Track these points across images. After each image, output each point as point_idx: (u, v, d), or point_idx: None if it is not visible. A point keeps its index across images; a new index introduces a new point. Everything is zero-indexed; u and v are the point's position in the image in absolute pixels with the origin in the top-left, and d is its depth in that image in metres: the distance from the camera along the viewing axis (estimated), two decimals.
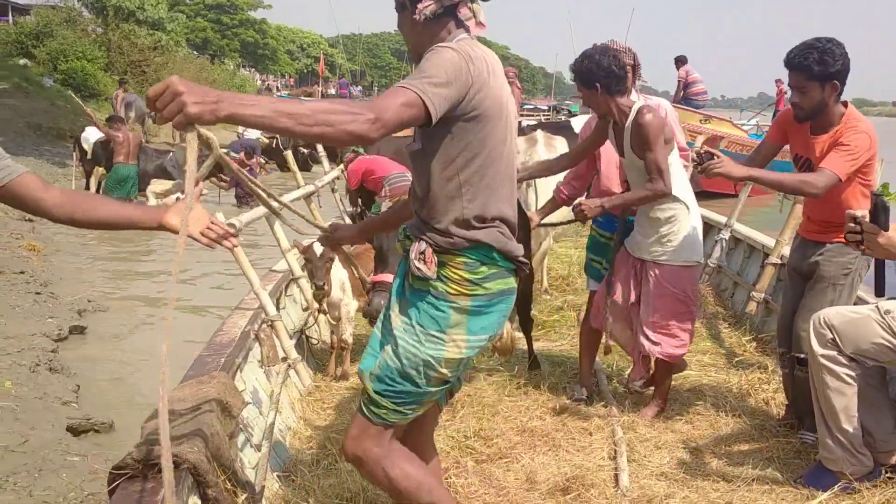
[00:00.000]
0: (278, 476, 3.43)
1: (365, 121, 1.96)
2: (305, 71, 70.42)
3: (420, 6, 2.30)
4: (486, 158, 2.30)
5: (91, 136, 13.31)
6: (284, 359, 4.58)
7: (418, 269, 2.33)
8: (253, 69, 56.60)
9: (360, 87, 52.49)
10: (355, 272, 4.68)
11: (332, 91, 45.16)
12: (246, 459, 3.18)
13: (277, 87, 47.25)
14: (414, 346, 2.36)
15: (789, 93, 3.67)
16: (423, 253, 2.34)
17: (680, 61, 15.83)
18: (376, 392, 2.41)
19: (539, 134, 6.63)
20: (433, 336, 2.36)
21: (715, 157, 3.44)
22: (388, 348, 2.42)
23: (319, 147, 10.43)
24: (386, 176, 7.41)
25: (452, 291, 2.34)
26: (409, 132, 2.39)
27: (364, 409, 2.45)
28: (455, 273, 2.35)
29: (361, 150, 8.69)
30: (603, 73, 3.77)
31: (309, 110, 1.90)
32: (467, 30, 2.35)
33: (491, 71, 2.28)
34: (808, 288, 3.78)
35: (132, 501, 2.12)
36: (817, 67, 3.46)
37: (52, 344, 5.81)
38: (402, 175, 7.37)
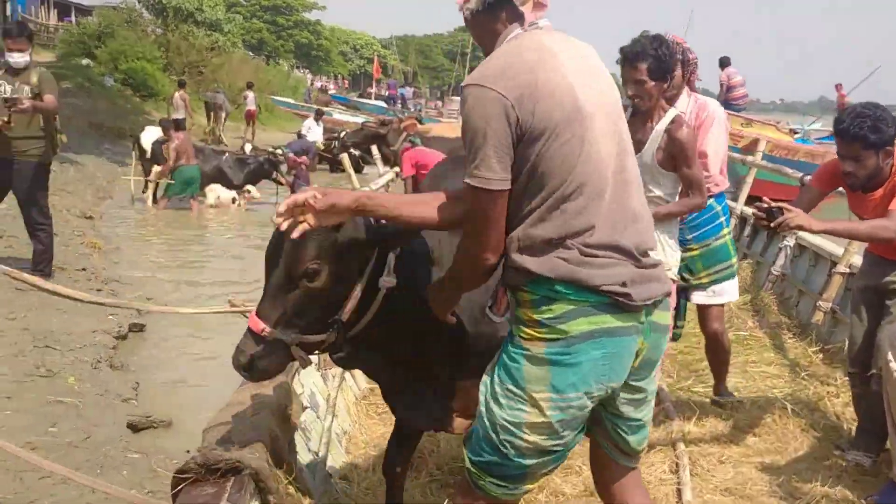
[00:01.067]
0: (335, 481, 3.43)
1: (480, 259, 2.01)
2: (358, 72, 70.98)
3: (461, 1, 2.12)
4: (548, 175, 1.95)
5: (150, 135, 13.57)
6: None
7: (488, 309, 2.14)
8: (307, 70, 57.23)
9: (412, 89, 52.61)
10: None
11: (384, 92, 45.44)
12: (304, 464, 3.17)
13: (329, 89, 47.73)
14: (493, 405, 2.03)
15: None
16: (495, 292, 2.14)
17: (724, 63, 15.45)
18: (470, 461, 2.10)
19: None
20: (510, 393, 1.99)
21: (785, 211, 3.16)
22: (482, 408, 2.08)
23: (373, 149, 10.52)
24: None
25: (524, 336, 1.99)
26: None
27: (467, 472, 2.13)
28: (524, 313, 2.00)
29: (418, 140, 8.81)
30: (652, 55, 3.63)
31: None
32: (522, 20, 2.08)
33: (543, 69, 1.96)
34: (893, 305, 3.61)
35: None
36: (873, 136, 3.30)
37: (112, 341, 5.91)
38: None
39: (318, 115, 20.80)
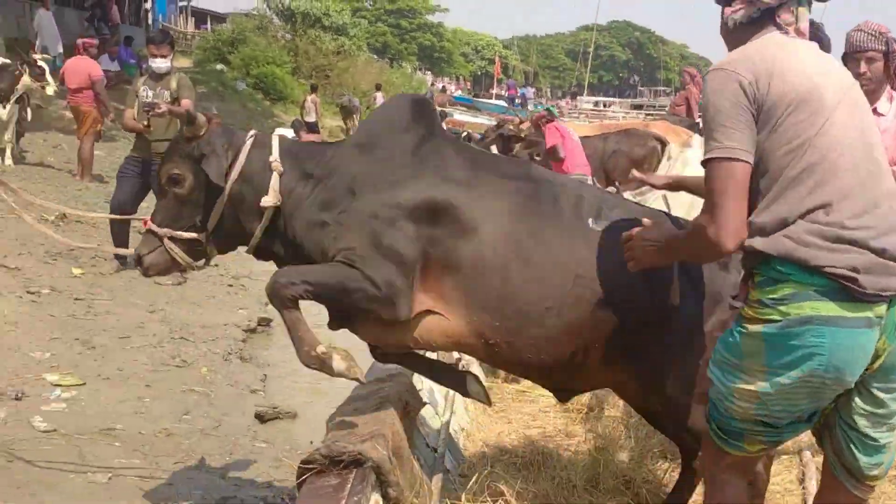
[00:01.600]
0: (453, 477, 3.45)
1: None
2: (479, 73, 71.26)
3: (728, 10, 2.12)
4: (784, 152, 1.96)
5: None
6: (459, 359, 4.62)
7: (731, 298, 2.22)
8: (429, 72, 57.94)
9: (533, 89, 52.43)
10: None
11: (504, 92, 45.44)
12: (423, 459, 3.21)
13: (449, 90, 48.18)
14: (715, 369, 2.12)
15: None
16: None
17: None
18: (708, 414, 2.21)
19: (697, 139, 6.26)
20: (728, 362, 2.07)
21: None
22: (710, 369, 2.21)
23: (517, 147, 10.51)
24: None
25: (746, 316, 2.03)
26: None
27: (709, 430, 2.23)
28: (752, 294, 2.03)
29: (555, 110, 8.76)
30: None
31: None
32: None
33: (782, 57, 2.02)
34: None
35: (320, 496, 2.18)
36: None
37: (242, 334, 6.17)
38: (581, 178, 7.36)
39: (442, 118, 20.98)
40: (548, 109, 8.46)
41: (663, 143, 9.40)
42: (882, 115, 3.48)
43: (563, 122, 8.20)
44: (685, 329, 2.56)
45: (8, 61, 11.06)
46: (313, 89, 22.70)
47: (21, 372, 4.57)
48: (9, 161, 10.84)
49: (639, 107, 42.85)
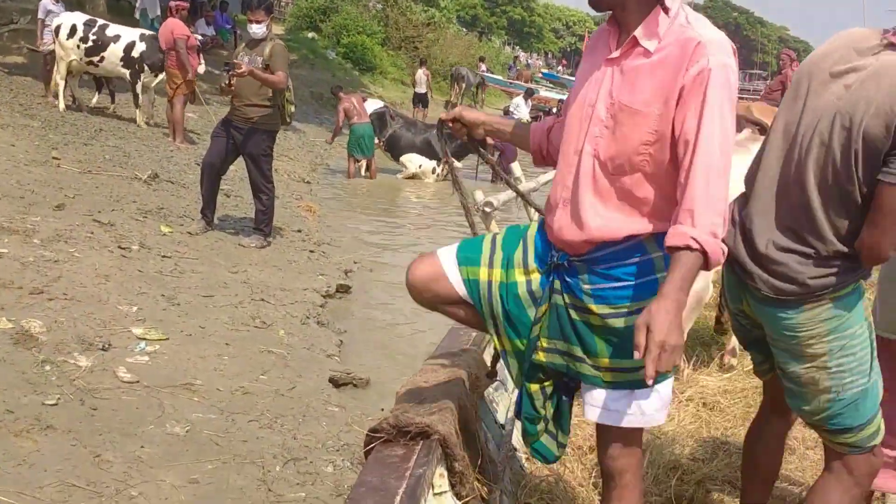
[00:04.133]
0: (520, 454, 3.44)
1: None
2: (569, 49, 70.27)
3: None
4: None
5: (370, 107, 14.17)
6: None
7: None
8: (517, 46, 57.39)
9: None
10: None
11: None
12: (490, 435, 3.21)
13: (538, 66, 47.52)
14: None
15: None
16: None
17: None
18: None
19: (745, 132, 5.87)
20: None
21: None
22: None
23: None
24: None
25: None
26: None
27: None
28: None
29: None
30: None
31: None
32: None
33: None
34: None
35: (385, 465, 2.20)
36: None
37: (321, 299, 6.28)
38: None
39: (528, 94, 20.85)
40: None
41: (762, 128, 9.04)
42: None
43: None
44: None
45: (146, 32, 11.61)
46: (422, 62, 23.62)
47: (109, 323, 4.75)
48: (142, 123, 11.38)
49: None
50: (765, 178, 2.28)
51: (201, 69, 11.34)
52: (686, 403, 4.13)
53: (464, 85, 26.82)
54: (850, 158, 2.08)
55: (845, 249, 2.14)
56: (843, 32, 2.27)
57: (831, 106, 2.13)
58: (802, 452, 3.61)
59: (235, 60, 6.89)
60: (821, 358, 2.20)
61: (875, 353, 2.27)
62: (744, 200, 2.34)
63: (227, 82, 6.90)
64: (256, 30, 6.99)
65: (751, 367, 2.82)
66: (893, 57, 2.10)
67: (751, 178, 2.34)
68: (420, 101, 22.59)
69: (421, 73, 22.61)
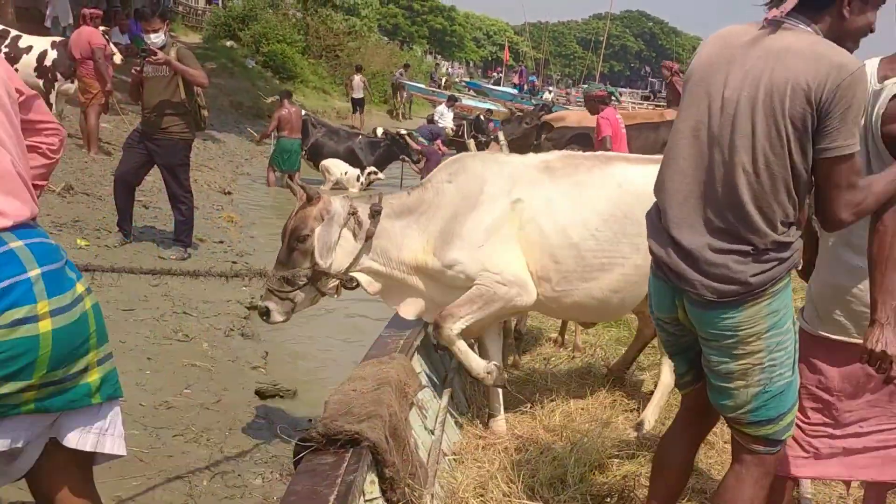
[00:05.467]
0: (449, 459, 3.48)
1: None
2: (490, 59, 71.06)
3: None
4: None
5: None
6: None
7: None
8: (439, 55, 57.77)
9: (538, 77, 51.97)
10: None
11: (514, 79, 45.26)
12: (420, 441, 3.24)
13: (458, 75, 48.02)
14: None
15: None
16: None
17: None
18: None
19: None
20: None
21: None
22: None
23: (500, 135, 10.48)
24: None
25: None
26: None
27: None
28: None
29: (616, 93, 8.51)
30: None
31: None
32: None
33: None
34: None
35: (315, 473, 2.21)
36: None
37: (244, 311, 6.20)
38: None
39: (451, 102, 21.01)
40: (610, 92, 8.23)
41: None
42: None
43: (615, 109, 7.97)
44: None
45: (57, 39, 11.22)
46: (358, 69, 24.31)
47: None
48: None
49: (646, 98, 42.65)
50: (682, 184, 2.29)
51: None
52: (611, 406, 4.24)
53: (405, 93, 28.39)
54: (782, 143, 2.12)
55: (780, 238, 2.19)
56: (720, 33, 2.33)
57: (745, 99, 2.16)
58: (721, 447, 3.75)
59: (149, 48, 6.70)
60: (757, 354, 2.25)
61: (797, 346, 2.35)
62: (660, 210, 2.36)
63: (137, 69, 6.73)
64: (155, 39, 6.78)
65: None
66: (787, 36, 2.16)
67: (661, 187, 2.37)
68: (357, 105, 23.66)
69: (358, 80, 23.50)
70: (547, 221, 3.66)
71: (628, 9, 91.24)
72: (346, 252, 3.67)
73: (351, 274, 3.71)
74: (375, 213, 3.69)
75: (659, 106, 27.68)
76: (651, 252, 2.29)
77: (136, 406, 4.16)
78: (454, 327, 3.57)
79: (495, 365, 3.68)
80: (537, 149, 8.23)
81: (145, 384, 4.45)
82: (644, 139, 8.51)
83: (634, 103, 37.77)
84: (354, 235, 3.67)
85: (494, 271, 3.58)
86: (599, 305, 3.80)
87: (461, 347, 3.62)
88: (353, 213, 3.66)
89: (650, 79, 58.51)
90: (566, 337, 5.38)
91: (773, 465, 2.39)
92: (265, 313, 3.69)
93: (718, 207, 2.23)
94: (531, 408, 4.17)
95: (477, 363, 3.66)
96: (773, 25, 2.18)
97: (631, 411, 4.22)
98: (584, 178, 3.79)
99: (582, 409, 4.18)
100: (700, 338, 2.36)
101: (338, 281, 3.70)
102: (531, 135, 8.33)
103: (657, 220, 2.37)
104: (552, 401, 4.24)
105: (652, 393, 4.23)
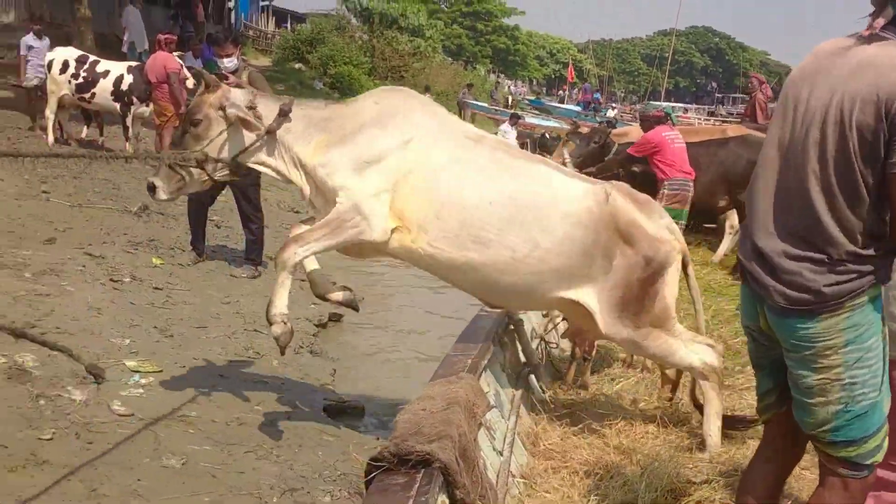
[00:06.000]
0: (517, 481, 3.45)
1: None
2: (553, 76, 70.90)
3: None
4: None
5: None
6: (525, 363, 4.62)
7: None
8: (502, 74, 57.90)
9: (601, 94, 51.54)
10: None
11: (578, 96, 45.03)
12: (488, 462, 3.22)
13: (521, 93, 47.98)
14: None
15: None
16: None
17: None
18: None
19: None
20: None
21: None
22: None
23: (565, 151, 10.40)
24: (669, 178, 7.44)
25: None
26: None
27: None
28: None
29: (672, 114, 8.47)
30: None
31: None
32: None
33: None
34: None
35: (388, 494, 2.21)
36: None
37: (313, 328, 6.28)
38: (684, 182, 7.34)
39: (514, 120, 21.02)
40: (667, 113, 8.20)
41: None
42: None
43: (672, 128, 7.93)
44: None
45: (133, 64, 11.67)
46: (427, 89, 24.74)
47: (102, 356, 4.73)
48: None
49: (712, 114, 41.98)
50: (765, 192, 2.31)
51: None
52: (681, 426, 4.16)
53: (469, 112, 28.76)
54: (849, 154, 2.09)
55: (858, 250, 2.13)
56: (819, 45, 2.32)
57: (820, 108, 2.15)
58: (798, 473, 3.63)
59: (222, 73, 6.89)
60: (835, 369, 2.21)
61: (887, 367, 2.27)
62: (750, 217, 2.38)
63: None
64: (228, 63, 6.94)
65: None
66: (871, 48, 2.13)
67: (750, 195, 2.38)
68: None
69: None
70: (445, 176, 3.66)
71: (694, 24, 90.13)
72: (237, 142, 3.81)
73: (245, 163, 3.86)
74: (283, 114, 3.78)
75: (726, 121, 27.23)
76: (738, 259, 2.28)
77: (208, 422, 4.24)
78: (299, 252, 3.66)
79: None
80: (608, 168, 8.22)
81: (217, 400, 4.53)
82: (712, 155, 8.37)
83: (700, 118, 37.21)
84: (250, 127, 3.78)
85: (355, 195, 3.62)
86: (481, 281, 3.75)
87: (284, 280, 3.68)
88: (252, 108, 3.77)
89: (716, 94, 57.61)
90: (635, 357, 5.30)
91: (861, 492, 2.29)
92: (151, 189, 3.94)
93: (795, 215, 2.22)
94: (599, 429, 4.11)
95: (281, 304, 3.73)
96: (867, 38, 2.15)
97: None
98: (505, 160, 3.80)
99: (652, 431, 4.10)
100: (783, 349, 2.33)
101: (228, 168, 3.88)
102: (601, 152, 8.26)
103: (747, 227, 2.39)
104: (621, 422, 4.17)
105: (735, 415, 4.11)
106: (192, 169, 3.83)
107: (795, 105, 2.25)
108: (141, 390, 4.46)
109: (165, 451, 3.83)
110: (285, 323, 3.76)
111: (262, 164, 3.87)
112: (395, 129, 3.69)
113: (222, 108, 3.76)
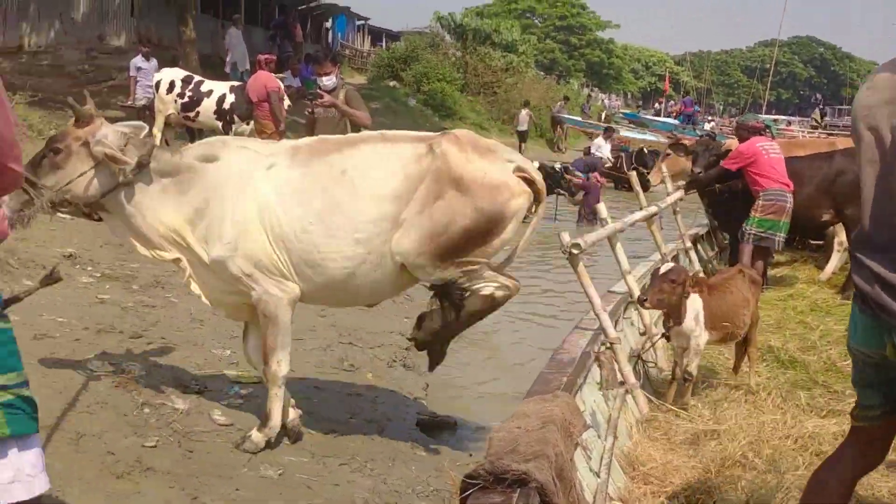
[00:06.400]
0: (615, 503, 3.36)
1: None
2: (648, 89, 69.77)
3: None
4: None
5: None
6: (622, 383, 4.51)
7: None
8: (596, 88, 57.36)
9: (697, 107, 50.23)
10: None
11: (674, 109, 44.10)
12: (585, 484, 3.14)
13: (615, 107, 47.37)
14: None
15: None
16: None
17: None
18: None
19: None
20: None
21: None
22: None
23: (664, 167, 10.20)
24: (765, 189, 7.26)
25: None
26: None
27: None
28: None
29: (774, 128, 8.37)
30: None
31: None
32: None
33: None
34: None
35: None
36: None
37: (406, 342, 6.30)
38: (781, 192, 7.10)
39: (609, 133, 20.78)
40: (767, 125, 8.04)
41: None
42: None
43: (769, 139, 7.78)
44: None
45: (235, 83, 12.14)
46: (525, 104, 26.48)
47: (204, 367, 4.87)
48: None
49: (815, 126, 40.42)
50: (874, 214, 2.20)
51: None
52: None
53: (566, 127, 30.32)
54: None
55: None
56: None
57: None
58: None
59: (318, 90, 7.07)
60: None
61: None
62: (863, 241, 2.24)
63: (310, 111, 7.12)
64: (327, 81, 7.09)
65: None
66: None
67: (863, 218, 2.26)
68: (521, 137, 25.93)
69: (524, 113, 25.88)
70: (280, 213, 3.76)
71: (797, 35, 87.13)
72: (91, 183, 3.67)
73: (95, 204, 3.75)
74: (141, 166, 3.68)
75: (831, 134, 26.20)
76: (855, 285, 2.19)
77: (305, 433, 4.29)
78: (279, 360, 3.91)
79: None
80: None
81: (313, 412, 4.59)
82: (817, 169, 8.04)
83: (803, 131, 35.88)
84: (112, 172, 3.67)
85: (260, 283, 3.78)
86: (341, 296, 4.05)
87: (278, 392, 3.93)
88: (112, 158, 3.61)
89: (820, 106, 55.58)
90: (737, 378, 5.11)
91: None
92: None
93: None
94: (700, 453, 3.96)
95: (277, 419, 3.98)
96: None
97: (816, 454, 3.91)
98: (315, 166, 3.84)
99: (755, 454, 3.93)
100: None
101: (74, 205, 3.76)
102: (718, 163, 8.04)
103: (862, 253, 2.24)
104: (723, 446, 4.01)
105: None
106: (37, 198, 3.59)
107: (878, 125, 2.16)
108: (241, 400, 4.56)
109: (263, 462, 3.90)
110: (269, 441, 3.98)
111: (122, 212, 3.82)
112: (233, 198, 3.78)
113: (86, 144, 3.63)
